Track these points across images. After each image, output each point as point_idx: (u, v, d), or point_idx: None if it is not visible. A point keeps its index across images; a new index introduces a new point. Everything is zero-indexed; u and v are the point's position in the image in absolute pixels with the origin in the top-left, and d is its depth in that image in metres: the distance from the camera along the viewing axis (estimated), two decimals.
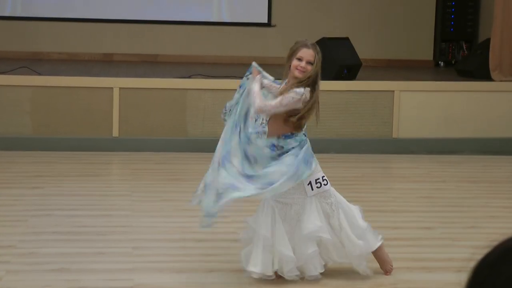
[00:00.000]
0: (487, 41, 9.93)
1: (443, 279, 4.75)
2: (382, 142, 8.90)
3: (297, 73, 4.56)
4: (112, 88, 8.50)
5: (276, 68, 10.68)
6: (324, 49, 9.21)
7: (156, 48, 11.25)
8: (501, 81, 9.48)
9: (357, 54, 9.43)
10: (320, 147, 8.67)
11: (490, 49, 9.61)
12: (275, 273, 4.59)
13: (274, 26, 11.64)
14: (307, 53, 4.57)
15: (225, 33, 11.43)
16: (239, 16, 11.53)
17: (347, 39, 9.61)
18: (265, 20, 11.59)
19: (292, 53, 4.62)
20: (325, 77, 9.10)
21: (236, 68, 10.17)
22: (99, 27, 11.07)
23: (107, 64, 10.58)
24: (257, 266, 4.53)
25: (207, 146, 8.62)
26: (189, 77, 9.00)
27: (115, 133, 8.51)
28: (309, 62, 4.56)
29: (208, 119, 8.69)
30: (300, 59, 4.56)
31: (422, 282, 4.74)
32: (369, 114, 8.93)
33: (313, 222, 4.52)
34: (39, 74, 8.66)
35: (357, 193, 6.87)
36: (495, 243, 1.21)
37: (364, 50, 9.99)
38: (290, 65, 4.61)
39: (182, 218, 5.92)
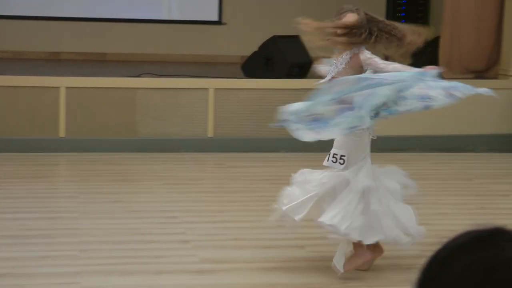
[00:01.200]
0: (437, 39, 10.01)
1: (393, 277, 4.77)
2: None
3: None
4: (58, 87, 8.39)
5: (227, 66, 10.68)
6: (275, 48, 9.27)
7: (104, 47, 11.14)
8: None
9: (308, 52, 9.43)
10: (271, 147, 8.67)
11: (440, 47, 9.70)
12: None
13: (225, 24, 11.61)
14: (350, 17, 4.78)
15: (175, 31, 11.37)
16: (190, 14, 11.49)
17: (298, 37, 9.60)
18: (216, 18, 11.55)
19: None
20: (276, 76, 9.13)
21: (187, 67, 10.12)
22: (45, 25, 10.93)
23: (54, 63, 10.45)
24: None
25: (157, 146, 8.58)
26: (139, 76, 8.92)
27: (62, 133, 8.40)
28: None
29: (158, 119, 8.63)
30: None
31: (372, 279, 4.75)
32: None
33: None
34: None
35: None
36: (445, 240, 1.21)
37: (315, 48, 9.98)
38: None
39: (130, 219, 5.86)
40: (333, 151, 4.82)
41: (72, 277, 4.64)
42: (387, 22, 4.87)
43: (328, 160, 4.82)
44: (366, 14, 4.82)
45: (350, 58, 4.80)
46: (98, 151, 8.29)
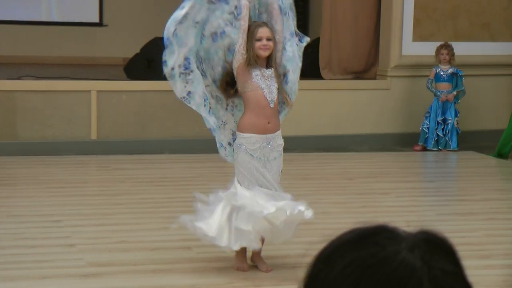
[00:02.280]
0: (317, 40, 10.19)
1: (280, 276, 4.84)
2: (214, 142, 8.95)
3: (262, 52, 4.76)
4: None
5: (109, 68, 10.56)
6: (157, 49, 9.22)
7: None
8: (330, 79, 9.76)
9: None
10: (155, 148, 8.65)
11: (320, 48, 9.87)
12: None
13: (106, 25, 11.49)
14: (264, 32, 4.76)
15: (55, 32, 11.18)
16: (69, 15, 11.32)
17: None
18: (97, 20, 11.43)
19: (251, 37, 4.77)
20: (158, 77, 9.08)
21: (68, 69, 9.96)
22: None
23: None
24: None
25: (38, 149, 8.41)
26: (18, 78, 8.73)
27: None
28: (268, 39, 4.76)
29: (38, 121, 8.47)
30: (260, 39, 4.74)
31: (259, 279, 4.81)
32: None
33: None
34: None
35: (193, 193, 6.87)
36: (329, 238, 1.24)
37: None
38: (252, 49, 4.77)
39: (12, 224, 5.74)
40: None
41: None
42: None
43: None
44: None
45: None
46: None
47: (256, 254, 4.97)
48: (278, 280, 4.78)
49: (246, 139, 4.81)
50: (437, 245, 1.17)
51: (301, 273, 1.24)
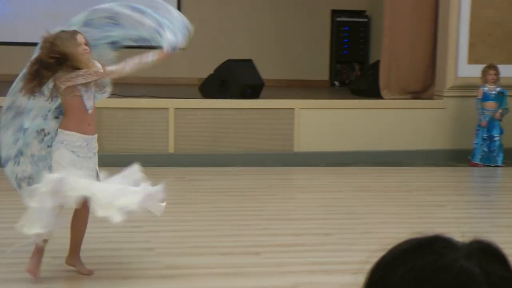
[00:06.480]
0: (377, 62, 10.16)
1: (341, 281, 4.81)
2: (284, 155, 8.99)
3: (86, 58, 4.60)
4: None
5: (185, 87, 10.63)
6: (229, 70, 9.32)
7: None
8: (389, 99, 9.71)
9: (260, 75, 9.50)
10: (226, 161, 8.71)
11: (380, 70, 9.83)
12: None
13: (183, 49, 11.61)
14: (81, 37, 4.62)
15: (136, 55, 11.34)
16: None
17: (250, 61, 9.68)
18: None
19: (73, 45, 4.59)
20: (230, 96, 9.18)
21: (148, 88, 10.09)
22: None
23: None
24: None
25: (121, 160, 8.51)
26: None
27: None
28: (86, 44, 4.63)
29: (121, 136, 8.61)
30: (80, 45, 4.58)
31: (322, 284, 4.79)
32: (272, 129, 9.01)
33: None
34: None
35: (261, 202, 6.91)
36: (388, 247, 1.24)
37: (266, 71, 10.09)
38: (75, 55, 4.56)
39: (98, 228, 5.80)
40: None
41: None
42: None
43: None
44: None
45: None
46: None
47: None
48: (339, 285, 4.76)
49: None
50: (491, 253, 1.17)
51: (362, 279, 1.25)
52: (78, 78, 4.56)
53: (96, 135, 4.79)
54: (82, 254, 5.11)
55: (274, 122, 9.00)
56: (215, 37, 11.69)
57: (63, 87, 4.56)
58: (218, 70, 9.42)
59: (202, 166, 8.52)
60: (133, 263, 5.05)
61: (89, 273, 4.77)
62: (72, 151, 4.65)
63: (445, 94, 9.50)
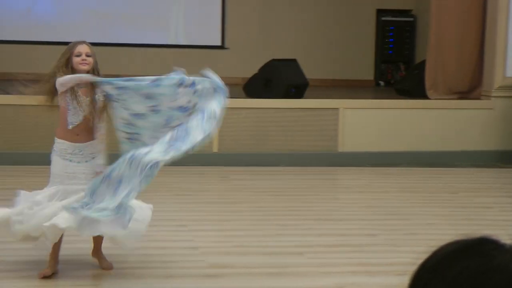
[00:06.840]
0: (423, 62, 10.06)
1: (386, 282, 4.78)
2: (328, 155, 8.95)
3: (82, 67, 4.56)
4: None
5: (229, 87, 10.67)
6: (273, 70, 9.31)
7: (116, 68, 11.18)
8: (436, 99, 9.61)
9: (304, 74, 9.47)
10: (271, 161, 8.71)
11: (426, 69, 9.74)
12: None
13: (227, 48, 11.66)
14: (83, 48, 4.59)
15: (181, 55, 11.41)
16: (194, 39, 11.58)
17: (294, 60, 9.65)
18: (219, 43, 11.63)
19: (69, 54, 4.58)
20: (275, 96, 9.17)
21: None
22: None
23: None
24: None
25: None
26: None
27: None
28: (88, 55, 4.59)
29: None
30: (79, 55, 4.57)
31: (366, 285, 4.76)
32: (316, 129, 8.98)
33: None
34: None
35: (305, 203, 6.90)
36: (433, 249, 1.22)
37: (310, 71, 10.05)
38: (71, 65, 4.55)
39: None
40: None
41: None
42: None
43: None
44: None
45: None
46: None
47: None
48: (384, 286, 4.73)
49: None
50: None
51: (407, 281, 1.23)
52: (61, 85, 4.51)
53: (92, 141, 4.65)
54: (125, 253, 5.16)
55: (319, 122, 8.97)
56: (259, 37, 11.70)
57: (58, 91, 4.57)
58: (262, 69, 9.42)
59: (245, 165, 8.53)
60: (177, 262, 5.07)
61: (109, 268, 4.82)
62: (64, 158, 4.62)
63: (493, 94, 9.37)
